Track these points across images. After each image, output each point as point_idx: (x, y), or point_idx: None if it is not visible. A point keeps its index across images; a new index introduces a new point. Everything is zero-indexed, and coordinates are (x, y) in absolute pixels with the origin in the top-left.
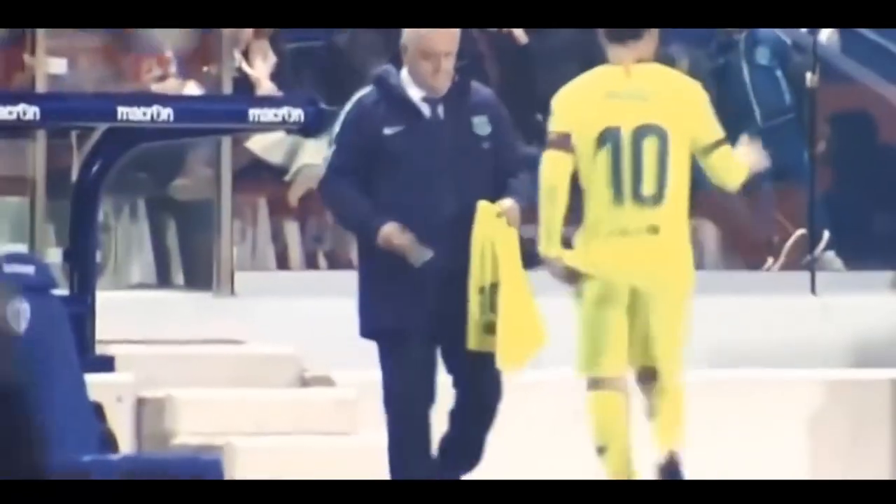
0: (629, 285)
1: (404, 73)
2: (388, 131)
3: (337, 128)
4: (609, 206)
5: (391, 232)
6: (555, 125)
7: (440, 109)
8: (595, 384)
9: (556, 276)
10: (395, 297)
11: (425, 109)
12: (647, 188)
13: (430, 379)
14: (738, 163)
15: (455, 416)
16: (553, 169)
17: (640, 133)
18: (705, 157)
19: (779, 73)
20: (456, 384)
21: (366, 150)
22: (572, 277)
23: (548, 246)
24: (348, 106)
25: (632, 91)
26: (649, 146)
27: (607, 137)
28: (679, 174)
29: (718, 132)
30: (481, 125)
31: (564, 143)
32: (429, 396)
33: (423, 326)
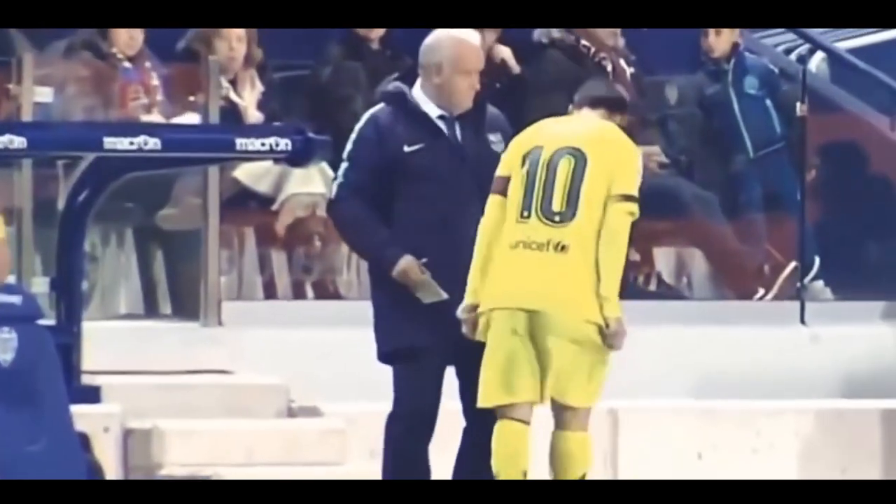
0: (527, 307)
1: (417, 89)
2: (408, 149)
3: (350, 145)
4: (516, 221)
5: (410, 268)
6: (499, 169)
7: (457, 126)
8: (500, 413)
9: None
10: (413, 318)
11: (444, 126)
12: (557, 205)
13: (436, 399)
14: (614, 243)
15: (465, 455)
16: (488, 212)
17: (559, 153)
18: (607, 205)
19: (768, 101)
20: (466, 412)
21: (385, 168)
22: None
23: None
24: (362, 123)
25: (569, 124)
26: (565, 165)
27: (528, 156)
28: (594, 199)
29: (628, 188)
30: (497, 143)
31: (501, 186)
32: (434, 415)
33: (442, 345)
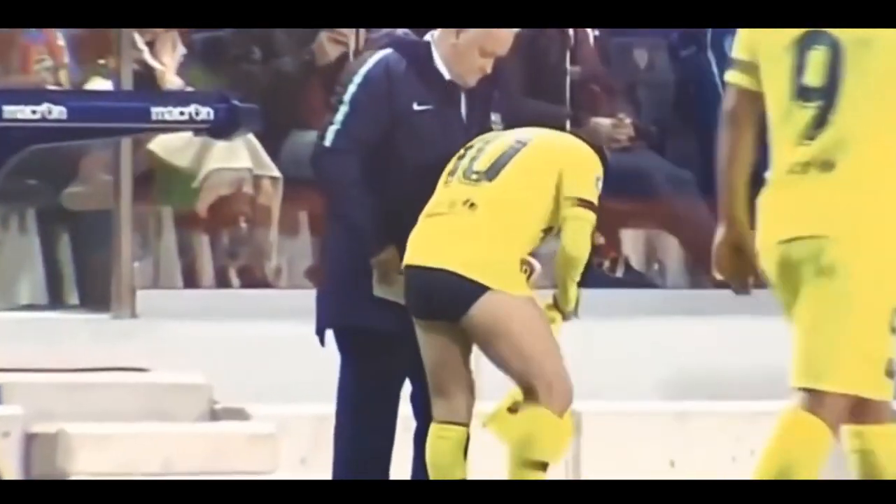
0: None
1: (433, 49)
2: (417, 107)
3: (354, 88)
4: (439, 190)
5: (392, 263)
6: None
7: (463, 97)
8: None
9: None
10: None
11: (454, 93)
12: (480, 165)
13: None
14: (583, 242)
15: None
16: None
17: (502, 138)
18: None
19: None
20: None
21: (389, 123)
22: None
23: None
24: (371, 65)
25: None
26: (504, 141)
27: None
28: (524, 171)
29: (581, 192)
30: (497, 124)
31: None
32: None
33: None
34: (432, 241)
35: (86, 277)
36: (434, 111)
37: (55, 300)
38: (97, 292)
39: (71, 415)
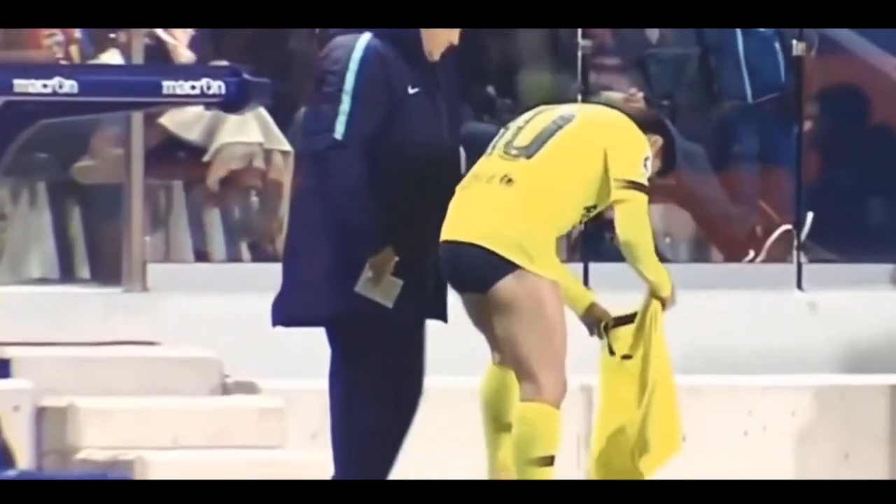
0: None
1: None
2: (411, 90)
3: (353, 78)
4: (479, 162)
5: (387, 264)
6: None
7: (439, 76)
8: None
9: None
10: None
11: (433, 71)
12: (521, 141)
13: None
14: (635, 224)
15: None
16: None
17: (547, 111)
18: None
19: (777, 44)
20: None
21: (389, 109)
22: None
23: None
24: (361, 53)
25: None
26: (548, 115)
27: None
28: (562, 148)
29: (627, 173)
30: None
31: None
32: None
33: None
34: (464, 215)
35: (97, 251)
36: (423, 93)
37: (66, 274)
38: (108, 266)
39: (81, 389)
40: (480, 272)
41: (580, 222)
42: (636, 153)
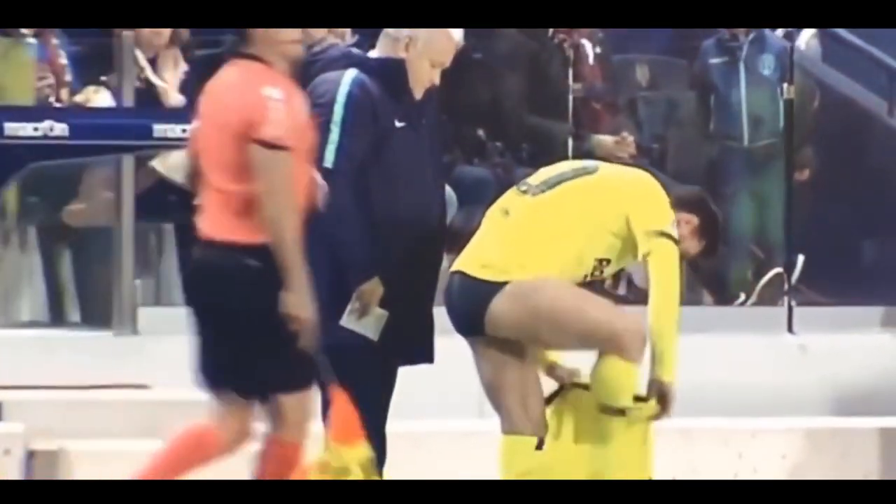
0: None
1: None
2: (398, 124)
3: (341, 109)
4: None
5: (374, 295)
6: None
7: (423, 113)
8: None
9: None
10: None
11: (417, 108)
12: (534, 180)
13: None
14: (663, 280)
15: None
16: None
17: (577, 161)
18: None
19: (779, 88)
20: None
21: (375, 142)
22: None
23: None
24: (349, 86)
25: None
26: (570, 164)
27: None
28: (572, 193)
29: (659, 224)
30: (441, 137)
31: None
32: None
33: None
34: (469, 246)
35: (87, 294)
36: (409, 127)
37: (56, 317)
38: (98, 309)
39: (72, 432)
40: (469, 299)
41: (593, 274)
42: (665, 209)
